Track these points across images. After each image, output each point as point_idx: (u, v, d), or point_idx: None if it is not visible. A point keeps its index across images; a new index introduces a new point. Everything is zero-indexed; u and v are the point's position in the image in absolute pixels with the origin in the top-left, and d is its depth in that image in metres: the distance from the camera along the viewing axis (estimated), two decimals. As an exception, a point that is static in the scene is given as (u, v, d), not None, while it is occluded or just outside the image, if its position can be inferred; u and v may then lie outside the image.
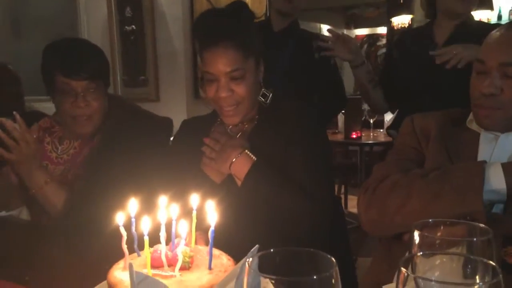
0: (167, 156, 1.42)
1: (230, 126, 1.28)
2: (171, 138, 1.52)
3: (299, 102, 1.32)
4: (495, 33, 1.05)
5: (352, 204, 4.17)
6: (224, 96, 1.18)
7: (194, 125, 1.37)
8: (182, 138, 1.37)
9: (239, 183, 1.16)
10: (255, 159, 1.15)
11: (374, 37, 8.92)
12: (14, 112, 1.31)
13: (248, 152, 1.16)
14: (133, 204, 0.79)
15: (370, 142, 3.59)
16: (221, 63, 1.16)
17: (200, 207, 0.83)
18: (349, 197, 4.38)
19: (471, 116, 1.11)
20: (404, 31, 5.92)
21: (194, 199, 0.85)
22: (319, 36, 2.13)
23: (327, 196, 1.18)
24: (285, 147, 1.18)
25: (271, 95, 1.28)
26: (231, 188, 1.18)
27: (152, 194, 0.99)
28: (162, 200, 0.82)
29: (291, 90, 2.02)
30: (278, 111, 1.25)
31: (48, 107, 1.57)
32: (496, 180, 0.91)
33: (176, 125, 1.45)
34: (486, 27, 1.76)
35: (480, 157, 1.04)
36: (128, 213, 0.77)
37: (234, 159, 1.15)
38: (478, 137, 1.07)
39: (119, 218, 0.76)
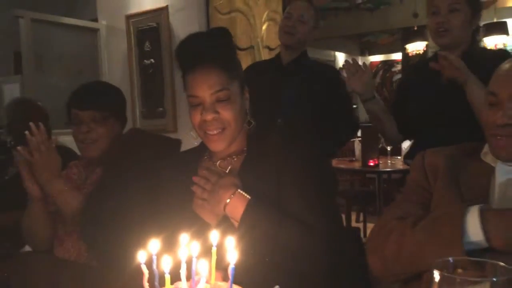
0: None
1: (219, 162, 1.24)
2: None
3: (289, 132, 1.27)
4: (504, 65, 1.06)
5: (372, 233, 4.10)
6: (210, 118, 1.13)
7: (181, 160, 1.34)
8: (170, 174, 1.31)
9: (235, 224, 1.11)
10: (249, 197, 1.10)
11: (389, 63, 8.96)
12: (40, 123, 1.45)
13: (241, 192, 1.11)
14: (154, 241, 0.80)
15: (387, 170, 3.57)
16: (206, 84, 1.13)
17: (219, 244, 0.84)
18: (368, 225, 4.32)
19: (485, 149, 1.10)
20: (411, 64, 5.94)
21: (214, 235, 0.86)
22: (325, 66, 2.22)
23: (327, 223, 1.12)
24: (278, 179, 1.14)
25: (254, 124, 1.24)
26: (229, 229, 1.11)
27: (174, 226, 1.01)
28: (183, 237, 0.83)
29: (300, 119, 2.05)
30: (267, 143, 1.21)
31: (67, 140, 1.67)
32: (474, 232, 0.90)
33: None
34: (490, 53, 1.78)
35: (495, 190, 1.04)
36: (149, 250, 0.79)
37: (228, 200, 1.10)
38: (492, 170, 1.07)
39: (141, 256, 0.77)
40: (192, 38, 1.20)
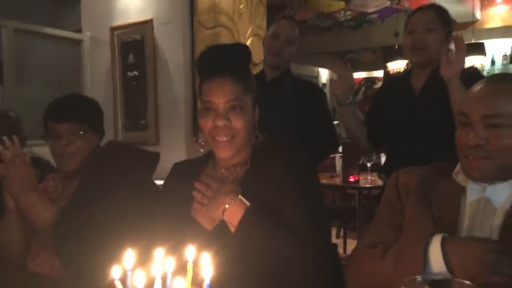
0: (156, 198, 1.44)
1: (223, 170, 1.28)
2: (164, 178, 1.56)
3: (291, 146, 1.32)
4: (476, 86, 1.08)
5: (351, 248, 4.12)
6: (221, 125, 1.18)
7: (186, 168, 1.37)
8: (173, 181, 1.36)
9: (232, 229, 1.15)
10: (249, 204, 1.14)
11: (371, 80, 9.10)
12: (14, 136, 1.45)
13: (241, 198, 1.15)
14: (129, 255, 0.80)
15: (368, 186, 3.61)
16: (222, 92, 1.19)
17: (195, 259, 0.84)
18: (348, 240, 4.34)
19: (457, 168, 1.12)
20: (388, 78, 6.08)
21: (190, 251, 0.86)
22: (307, 83, 2.34)
23: (322, 240, 1.18)
24: (278, 192, 1.18)
25: (261, 137, 1.30)
26: (223, 234, 1.16)
27: (148, 238, 1.01)
28: (158, 252, 0.83)
29: (283, 134, 2.08)
30: (271, 156, 1.25)
31: (44, 151, 1.67)
32: (436, 263, 0.92)
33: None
34: (465, 73, 1.85)
35: (465, 210, 1.06)
36: (123, 265, 0.79)
37: (227, 206, 1.14)
38: (463, 189, 1.09)
39: (115, 271, 0.77)
40: (214, 49, 1.27)
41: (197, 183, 1.19)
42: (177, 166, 1.40)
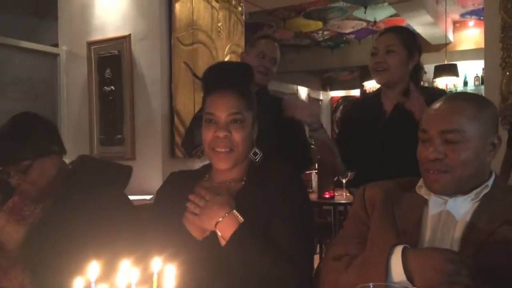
0: (133, 212, 1.44)
1: (218, 183, 1.30)
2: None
3: (287, 166, 1.34)
4: (435, 104, 1.14)
5: (327, 265, 4.13)
6: (222, 136, 1.22)
7: (181, 179, 1.39)
8: (167, 189, 1.38)
9: (222, 242, 1.16)
10: (242, 220, 1.16)
11: (349, 99, 9.26)
12: None
13: (236, 213, 1.17)
14: (93, 267, 0.80)
15: (343, 202, 3.65)
16: (225, 105, 1.24)
17: (161, 271, 0.85)
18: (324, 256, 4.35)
19: (420, 182, 1.17)
20: (356, 99, 6.21)
21: (156, 262, 0.86)
22: (282, 100, 2.30)
23: (308, 261, 1.22)
24: (271, 210, 1.21)
25: (260, 155, 1.33)
26: (213, 245, 1.18)
27: (113, 252, 1.01)
28: (124, 263, 0.83)
29: (263, 151, 2.10)
30: (267, 174, 1.28)
31: None
32: (397, 273, 0.95)
33: (150, 183, 1.49)
34: (431, 92, 1.91)
35: (427, 222, 1.10)
36: (87, 277, 0.79)
37: (220, 218, 1.16)
38: (425, 202, 1.13)
39: (78, 284, 0.77)
40: (220, 65, 1.37)
41: (192, 194, 1.22)
42: (173, 176, 1.42)
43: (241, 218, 1.16)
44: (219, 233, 1.17)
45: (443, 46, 6.55)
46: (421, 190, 1.15)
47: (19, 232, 1.42)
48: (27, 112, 1.63)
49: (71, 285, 0.82)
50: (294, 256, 1.16)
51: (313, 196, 3.85)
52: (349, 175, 3.76)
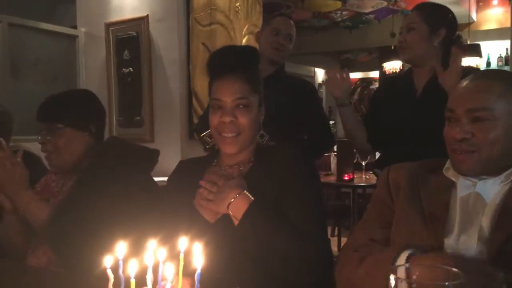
0: (158, 194, 1.44)
1: (227, 167, 1.31)
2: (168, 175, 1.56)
3: (294, 146, 1.35)
4: (461, 83, 1.10)
5: (346, 247, 4.13)
6: (228, 121, 1.23)
7: (190, 166, 1.40)
8: (177, 177, 1.40)
9: (235, 222, 1.18)
10: (253, 199, 1.18)
11: (367, 81, 9.13)
12: (1, 139, 1.48)
13: (246, 193, 1.19)
14: (121, 246, 0.80)
15: (362, 184, 3.62)
16: (230, 90, 1.25)
17: (188, 250, 0.84)
18: (343, 239, 4.35)
19: (448, 164, 1.13)
20: (386, 77, 6.11)
21: (182, 241, 0.86)
22: (300, 81, 2.36)
23: (323, 239, 1.22)
24: (279, 190, 1.22)
25: (267, 137, 1.34)
26: (225, 227, 1.19)
27: (140, 233, 1.01)
28: (151, 243, 0.83)
29: (278, 131, 2.09)
30: (274, 155, 1.29)
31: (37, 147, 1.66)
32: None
33: (168, 165, 1.49)
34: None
35: (456, 205, 1.07)
36: (115, 255, 0.79)
37: (232, 199, 1.17)
38: (453, 185, 1.10)
39: (107, 261, 0.77)
40: (225, 50, 1.35)
41: (203, 181, 1.23)
42: (182, 164, 1.44)
43: (252, 197, 1.18)
44: (232, 214, 1.18)
45: (466, 25, 6.36)
46: (449, 172, 1.12)
47: (43, 211, 1.44)
48: (88, 90, 1.72)
49: (96, 263, 0.83)
50: (308, 233, 1.17)
51: (332, 179, 3.82)
52: (369, 157, 3.72)
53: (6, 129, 2.17)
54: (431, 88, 1.80)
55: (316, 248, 1.16)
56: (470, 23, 6.47)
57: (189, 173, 1.35)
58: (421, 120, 1.79)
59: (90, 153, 1.54)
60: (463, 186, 1.08)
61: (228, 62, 1.29)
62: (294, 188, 1.22)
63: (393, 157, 1.50)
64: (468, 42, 6.13)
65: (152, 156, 1.62)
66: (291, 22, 2.33)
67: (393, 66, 5.83)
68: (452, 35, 1.89)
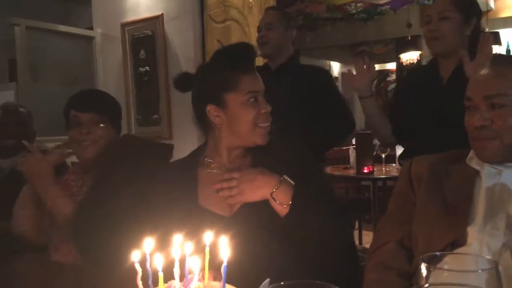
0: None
1: (227, 164, 1.30)
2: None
3: (291, 139, 1.36)
4: (479, 71, 1.10)
5: (367, 240, 4.10)
6: (266, 111, 1.27)
7: (173, 170, 1.39)
8: (164, 183, 1.37)
9: (279, 208, 1.17)
10: (293, 183, 1.19)
11: (383, 73, 9.03)
12: (24, 141, 1.63)
13: (286, 177, 1.19)
14: (148, 241, 0.80)
15: (382, 177, 3.57)
16: (260, 84, 1.31)
17: (213, 243, 0.85)
18: (364, 232, 4.32)
19: (471, 154, 1.12)
20: (411, 68, 6.02)
21: (208, 235, 0.86)
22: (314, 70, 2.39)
23: (342, 219, 1.25)
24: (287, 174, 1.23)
25: (274, 126, 1.33)
26: (242, 219, 1.19)
27: (165, 227, 1.02)
28: (177, 237, 0.83)
29: (292, 122, 2.08)
30: (271, 149, 1.29)
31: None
32: None
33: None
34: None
35: (480, 195, 1.05)
36: (142, 250, 0.79)
37: (277, 186, 1.16)
38: (477, 174, 1.08)
39: (135, 255, 0.78)
40: (234, 46, 1.37)
41: (217, 185, 1.22)
42: (164, 169, 1.44)
43: (292, 182, 1.18)
44: (277, 200, 1.17)
45: (484, 13, 6.23)
46: (472, 161, 1.11)
47: (68, 208, 1.48)
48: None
49: (121, 259, 0.84)
50: (334, 213, 1.20)
51: (351, 172, 3.79)
52: (388, 150, 3.68)
53: (31, 130, 2.22)
54: (457, 76, 1.73)
55: (344, 230, 1.21)
56: (488, 10, 6.34)
57: (175, 178, 1.34)
58: (447, 109, 1.74)
59: (107, 150, 1.58)
60: (488, 175, 1.06)
61: (252, 57, 1.34)
62: (303, 178, 1.22)
63: (418, 149, 1.47)
64: (487, 30, 6.01)
65: (167, 151, 1.67)
66: (273, 11, 2.41)
67: (410, 57, 5.76)
68: (479, 23, 1.84)
